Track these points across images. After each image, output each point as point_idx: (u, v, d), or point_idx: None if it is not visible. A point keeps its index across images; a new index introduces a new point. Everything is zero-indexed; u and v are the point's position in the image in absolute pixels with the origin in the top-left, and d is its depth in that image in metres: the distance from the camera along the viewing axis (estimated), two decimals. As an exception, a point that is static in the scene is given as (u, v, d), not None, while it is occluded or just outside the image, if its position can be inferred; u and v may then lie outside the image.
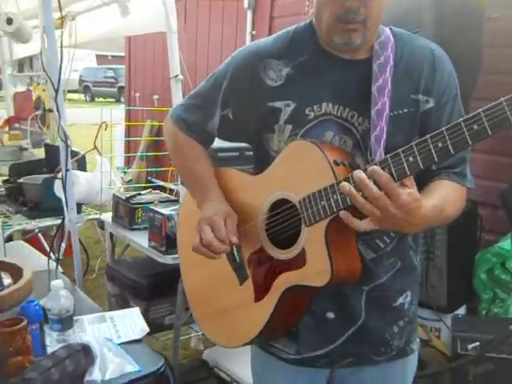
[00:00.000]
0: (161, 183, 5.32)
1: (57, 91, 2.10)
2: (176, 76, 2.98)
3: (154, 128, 6.14)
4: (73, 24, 4.02)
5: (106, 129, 2.60)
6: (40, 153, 4.31)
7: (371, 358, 1.31)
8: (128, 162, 6.80)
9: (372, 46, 1.22)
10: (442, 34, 2.12)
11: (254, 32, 5.04)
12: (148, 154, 5.58)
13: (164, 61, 6.49)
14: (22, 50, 5.50)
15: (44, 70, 2.12)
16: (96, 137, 2.64)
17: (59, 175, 2.37)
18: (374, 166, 1.01)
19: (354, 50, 1.20)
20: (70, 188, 2.26)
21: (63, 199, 2.23)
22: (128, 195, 2.59)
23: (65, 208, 2.24)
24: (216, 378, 2.29)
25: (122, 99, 21.83)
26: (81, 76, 22.65)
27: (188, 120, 1.37)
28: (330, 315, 1.27)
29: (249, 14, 5.10)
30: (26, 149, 4.20)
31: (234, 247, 1.32)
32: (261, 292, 1.26)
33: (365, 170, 1.03)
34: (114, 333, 1.68)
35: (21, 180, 3.23)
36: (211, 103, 1.34)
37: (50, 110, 4.12)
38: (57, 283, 1.52)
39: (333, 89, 1.22)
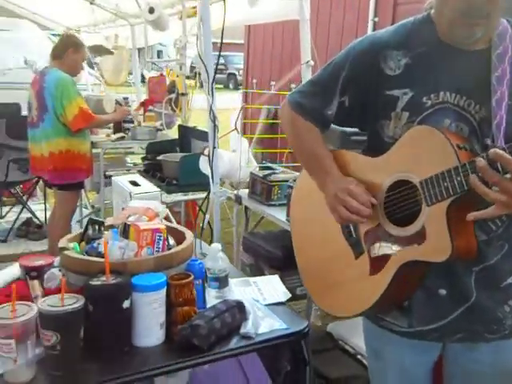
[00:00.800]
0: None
1: (213, 77, 2.28)
2: (307, 62, 3.10)
3: (271, 112, 6.32)
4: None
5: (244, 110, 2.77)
6: (171, 133, 4.64)
7: (484, 335, 1.38)
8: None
9: (490, 37, 1.27)
10: None
11: (376, 19, 5.05)
12: (266, 136, 5.78)
13: (283, 48, 6.66)
14: (153, 38, 5.89)
15: (199, 57, 2.32)
16: (237, 118, 2.84)
17: (205, 152, 2.59)
18: (498, 150, 1.07)
19: (474, 41, 1.25)
20: (217, 164, 2.47)
21: (209, 174, 2.44)
22: (265, 173, 2.78)
23: (211, 182, 2.44)
24: (340, 350, 2.41)
25: (231, 85, 22.41)
26: (192, 63, 23.59)
27: (306, 105, 1.48)
28: (442, 292, 1.35)
29: (372, 1, 5.10)
30: (160, 129, 4.53)
31: (351, 224, 1.42)
32: (377, 266, 1.36)
33: (487, 155, 1.09)
34: (259, 295, 1.84)
35: (160, 157, 3.52)
36: (329, 90, 1.43)
37: (183, 94, 4.42)
38: (215, 246, 1.70)
39: (450, 78, 1.28)
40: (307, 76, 3.14)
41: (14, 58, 8.90)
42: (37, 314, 1.31)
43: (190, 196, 3.40)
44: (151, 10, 3.89)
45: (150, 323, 1.47)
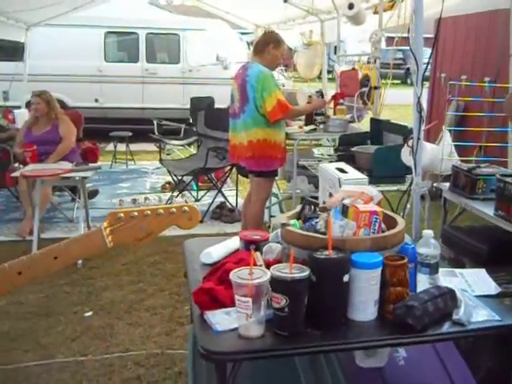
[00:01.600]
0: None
1: (424, 70, 2.31)
2: (517, 53, 2.95)
3: (461, 106, 6.05)
4: (402, 6, 4.27)
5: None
6: (360, 125, 4.71)
7: None
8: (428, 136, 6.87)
9: None
10: None
11: None
12: (460, 129, 5.57)
13: (477, 40, 6.34)
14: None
15: (410, 49, 2.36)
16: (446, 112, 2.82)
17: (409, 143, 2.62)
18: None
19: None
20: (420, 156, 2.49)
21: (412, 165, 2.47)
22: (469, 167, 2.73)
23: (413, 173, 2.47)
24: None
25: (408, 81, 21.74)
26: (375, 58, 23.44)
27: None
28: None
29: None
30: (351, 121, 4.62)
31: None
32: None
33: None
34: (467, 286, 1.84)
35: (353, 149, 3.61)
36: None
37: (376, 88, 4.46)
38: (428, 232, 1.74)
39: None
40: (515, 68, 2.99)
41: (207, 55, 9.69)
42: (269, 278, 1.48)
43: (381, 187, 3.43)
44: (351, 6, 3.98)
45: (366, 299, 1.56)
